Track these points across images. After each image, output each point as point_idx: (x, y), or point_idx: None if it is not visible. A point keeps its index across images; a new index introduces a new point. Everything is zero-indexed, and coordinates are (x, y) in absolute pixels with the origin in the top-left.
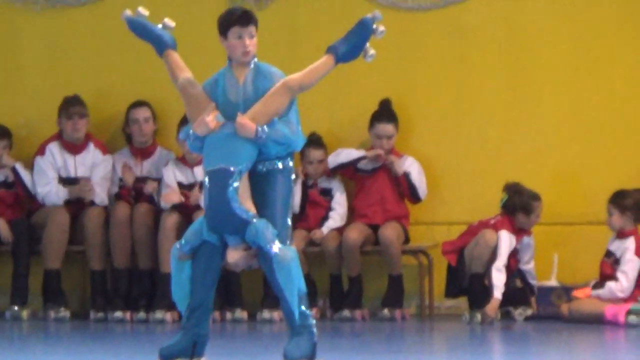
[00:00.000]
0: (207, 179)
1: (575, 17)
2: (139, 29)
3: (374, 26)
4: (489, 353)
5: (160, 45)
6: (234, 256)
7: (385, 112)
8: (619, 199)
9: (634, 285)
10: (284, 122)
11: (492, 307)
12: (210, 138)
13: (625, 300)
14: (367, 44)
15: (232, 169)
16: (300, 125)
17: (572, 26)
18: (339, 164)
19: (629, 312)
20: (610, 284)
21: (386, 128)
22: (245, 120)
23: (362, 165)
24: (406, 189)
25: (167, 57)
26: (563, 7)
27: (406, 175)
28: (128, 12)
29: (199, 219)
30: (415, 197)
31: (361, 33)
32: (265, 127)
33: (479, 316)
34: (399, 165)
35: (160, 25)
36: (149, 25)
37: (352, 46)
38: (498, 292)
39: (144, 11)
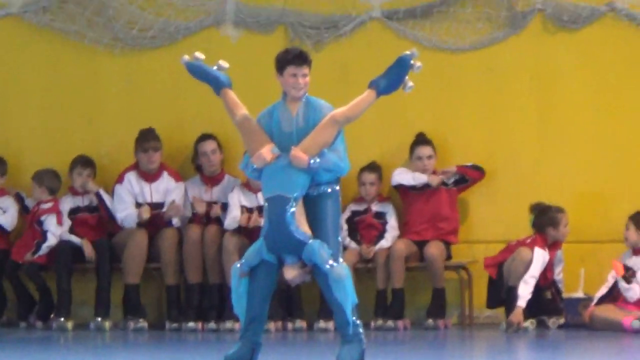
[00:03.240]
0: (266, 205)
1: (597, 56)
2: (197, 71)
3: (412, 62)
4: (522, 357)
5: (217, 85)
6: (291, 273)
7: (422, 138)
8: (638, 217)
9: None
10: (332, 150)
11: (515, 314)
12: (268, 169)
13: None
14: (406, 77)
15: (288, 196)
16: (346, 152)
17: (595, 63)
18: (401, 184)
19: (635, 319)
20: (627, 292)
21: (425, 149)
22: (298, 153)
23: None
24: (470, 172)
25: (224, 96)
26: (586, 47)
27: (460, 167)
28: (186, 57)
29: (258, 241)
30: (480, 170)
31: (399, 68)
32: (316, 157)
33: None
34: (448, 171)
35: (215, 67)
36: (206, 67)
37: (391, 81)
38: (522, 301)
39: (200, 55)
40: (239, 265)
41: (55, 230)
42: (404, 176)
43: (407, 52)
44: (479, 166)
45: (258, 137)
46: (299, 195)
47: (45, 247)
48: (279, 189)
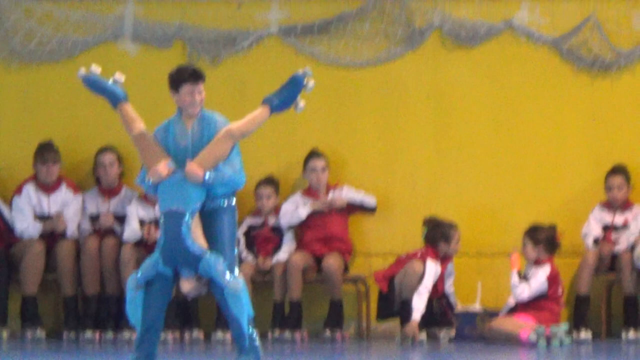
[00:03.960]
0: (162, 219)
1: (494, 75)
2: (94, 85)
3: (305, 81)
4: None
5: (114, 99)
6: (188, 286)
7: (315, 151)
8: (533, 233)
9: (532, 297)
10: (227, 164)
11: (410, 327)
12: (164, 184)
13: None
14: (299, 97)
15: (184, 210)
16: (242, 165)
17: (492, 82)
18: (292, 225)
19: (532, 332)
20: (516, 289)
21: (318, 161)
22: (193, 168)
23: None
24: (359, 210)
25: (121, 110)
26: (483, 64)
27: (350, 203)
28: (82, 71)
29: (154, 253)
30: (370, 210)
31: (293, 87)
32: (212, 172)
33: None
34: (339, 200)
35: (111, 80)
36: (102, 81)
37: (284, 99)
38: (416, 314)
39: (96, 69)
40: (134, 277)
41: None
42: (289, 219)
43: (300, 71)
44: (369, 206)
45: (154, 152)
46: (194, 210)
47: None
48: (175, 204)
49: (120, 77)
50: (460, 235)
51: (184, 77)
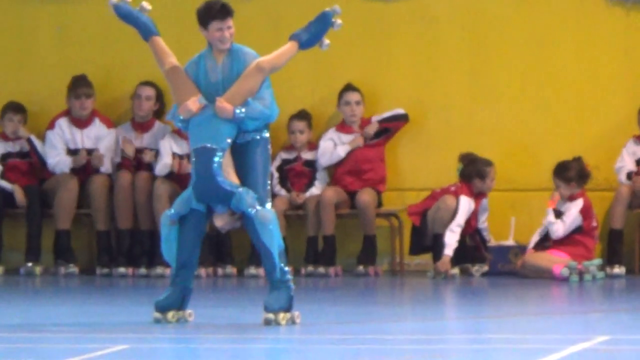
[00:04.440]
0: (193, 156)
1: (529, 8)
2: (126, 15)
3: (333, 19)
4: (449, 304)
5: (146, 32)
6: (221, 221)
7: (350, 85)
8: (563, 172)
9: (567, 232)
10: (258, 98)
11: (443, 262)
12: (194, 120)
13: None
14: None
15: (215, 147)
16: (273, 98)
17: (527, 15)
18: (332, 164)
19: (565, 267)
20: (552, 226)
21: (352, 95)
22: (223, 104)
23: None
24: (394, 123)
25: (153, 44)
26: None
27: (381, 121)
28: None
29: (186, 190)
30: (404, 119)
31: (321, 24)
32: (241, 107)
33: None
34: (371, 126)
35: (137, 8)
36: (135, 12)
37: (312, 35)
38: (449, 250)
39: None
40: (168, 213)
41: None
42: (328, 158)
43: (329, 9)
44: (399, 114)
45: (185, 87)
46: (225, 146)
47: None
48: (205, 140)
49: (147, 5)
50: (496, 172)
51: (211, 13)
